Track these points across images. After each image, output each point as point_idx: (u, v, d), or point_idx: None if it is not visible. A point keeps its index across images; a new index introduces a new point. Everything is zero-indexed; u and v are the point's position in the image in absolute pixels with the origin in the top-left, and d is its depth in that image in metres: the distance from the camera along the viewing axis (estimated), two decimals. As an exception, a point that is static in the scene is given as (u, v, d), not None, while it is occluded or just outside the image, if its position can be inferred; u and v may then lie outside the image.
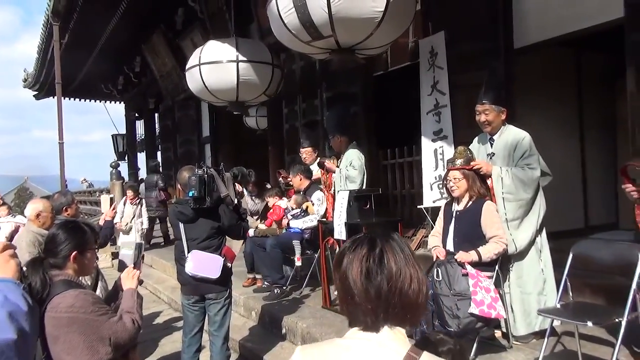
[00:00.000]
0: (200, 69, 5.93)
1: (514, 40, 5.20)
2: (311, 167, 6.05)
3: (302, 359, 1.23)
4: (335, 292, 5.28)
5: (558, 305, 3.36)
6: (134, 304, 2.39)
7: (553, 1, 4.83)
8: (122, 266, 2.69)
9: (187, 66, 6.23)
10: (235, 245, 6.08)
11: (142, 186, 10.79)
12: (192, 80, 6.18)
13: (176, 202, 3.93)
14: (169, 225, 7.75)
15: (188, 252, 3.65)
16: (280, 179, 6.61)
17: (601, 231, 6.47)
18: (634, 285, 2.92)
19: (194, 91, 6.38)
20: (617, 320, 2.95)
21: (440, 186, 5.39)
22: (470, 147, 3.95)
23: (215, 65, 5.88)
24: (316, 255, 5.50)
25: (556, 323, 3.45)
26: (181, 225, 3.70)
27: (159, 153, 15.40)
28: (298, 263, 5.52)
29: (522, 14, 5.13)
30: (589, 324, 3.00)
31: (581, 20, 4.61)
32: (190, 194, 3.59)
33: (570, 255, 3.42)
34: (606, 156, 7.01)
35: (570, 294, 3.40)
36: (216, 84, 5.95)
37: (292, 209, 5.69)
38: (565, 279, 3.37)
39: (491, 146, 3.89)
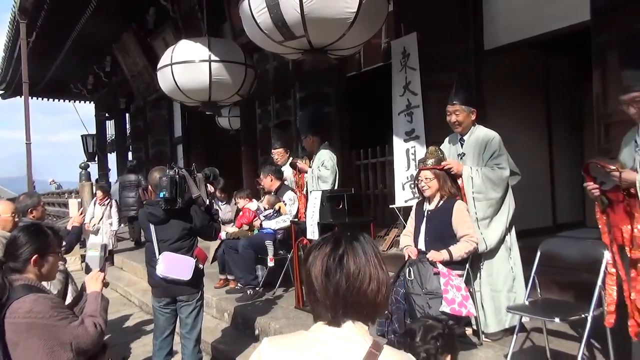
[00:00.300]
0: (172, 69, 5.87)
1: (484, 42, 5.28)
2: (284, 167, 6.04)
3: (270, 349, 1.26)
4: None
5: (526, 302, 3.42)
6: (97, 307, 2.35)
7: (522, 3, 4.91)
8: (89, 269, 2.64)
9: (159, 66, 6.15)
10: (213, 247, 6.04)
11: (116, 186, 10.64)
12: (164, 80, 6.11)
13: (147, 204, 3.88)
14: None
15: (159, 254, 3.61)
16: (259, 187, 6.57)
17: (569, 229, 6.64)
18: (599, 282, 2.99)
19: (165, 91, 6.30)
20: (583, 315, 3.02)
21: (412, 186, 5.44)
22: (441, 147, 3.99)
23: (187, 65, 5.82)
24: (289, 256, 5.49)
25: (525, 319, 3.51)
26: (152, 227, 3.66)
27: (129, 154, 15.17)
28: (271, 263, 5.50)
29: (492, 16, 5.21)
30: (556, 319, 3.07)
31: (549, 22, 4.70)
32: (161, 195, 3.55)
33: (539, 253, 3.49)
34: (573, 156, 7.17)
35: (539, 290, 3.47)
36: (188, 83, 5.89)
37: (265, 209, 5.67)
38: (534, 277, 3.43)
39: (462, 146, 3.94)
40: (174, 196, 3.52)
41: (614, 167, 2.81)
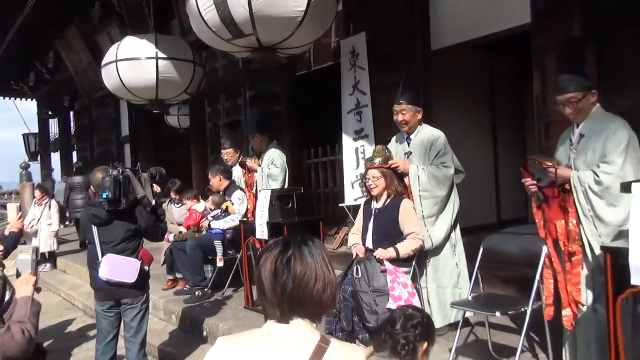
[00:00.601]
0: (117, 66, 5.70)
1: (431, 43, 5.38)
2: (235, 167, 5.99)
3: (225, 347, 1.33)
4: (259, 292, 5.26)
5: (470, 298, 3.51)
6: (26, 312, 2.22)
7: (468, 5, 5.03)
8: (19, 273, 2.52)
9: (103, 62, 5.97)
10: (165, 248, 5.92)
11: (60, 186, 10.26)
12: (109, 77, 5.93)
13: (89, 205, 3.76)
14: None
15: (102, 256, 3.50)
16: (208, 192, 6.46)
17: (512, 225, 6.85)
18: (537, 276, 3.09)
19: (110, 89, 6.12)
20: (522, 309, 3.12)
21: (361, 184, 5.49)
22: (388, 146, 4.04)
23: (133, 62, 5.67)
24: (238, 256, 5.44)
25: (469, 314, 3.60)
26: (94, 228, 3.55)
27: (74, 153, 14.69)
28: (220, 264, 5.43)
29: (438, 17, 5.32)
30: (497, 314, 3.16)
31: (493, 24, 4.83)
32: (104, 196, 3.45)
33: (481, 249, 3.58)
34: (517, 155, 7.39)
35: (482, 286, 3.56)
36: (134, 81, 5.74)
37: (211, 209, 5.60)
38: (477, 272, 3.52)
39: (408, 145, 4.00)
40: (117, 197, 3.42)
41: (550, 164, 2.93)
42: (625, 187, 2.31)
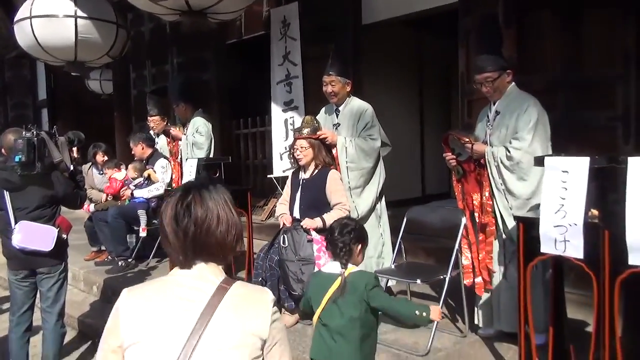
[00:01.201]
0: (31, 23, 5.32)
1: (362, 16, 5.41)
2: (162, 136, 5.82)
3: (128, 298, 1.34)
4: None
5: (392, 266, 3.63)
6: None
7: (399, -19, 5.09)
8: None
9: (16, 18, 5.56)
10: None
11: None
12: (22, 35, 5.53)
13: (0, 169, 3.52)
14: None
15: (15, 223, 3.31)
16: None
17: (436, 199, 7.11)
18: (456, 245, 3.24)
19: (24, 47, 5.72)
20: (442, 277, 3.26)
21: (290, 155, 5.49)
22: (317, 117, 4.05)
23: (49, 20, 5.31)
24: (164, 226, 5.31)
25: (392, 282, 3.73)
26: (6, 194, 3.34)
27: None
28: (143, 234, 5.29)
29: (370, -9, 5.35)
30: (418, 281, 3.30)
31: (423, 1, 4.92)
32: (17, 160, 3.24)
33: (405, 220, 3.69)
34: (442, 131, 7.59)
35: (404, 255, 3.69)
36: (51, 40, 5.39)
37: (133, 178, 5.43)
38: (400, 242, 3.64)
39: (337, 117, 4.03)
40: (31, 160, 3.22)
41: (467, 139, 3.06)
42: (538, 161, 2.45)
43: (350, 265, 2.38)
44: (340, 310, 2.29)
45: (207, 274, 1.35)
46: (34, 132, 3.30)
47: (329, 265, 2.47)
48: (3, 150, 3.58)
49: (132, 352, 1.29)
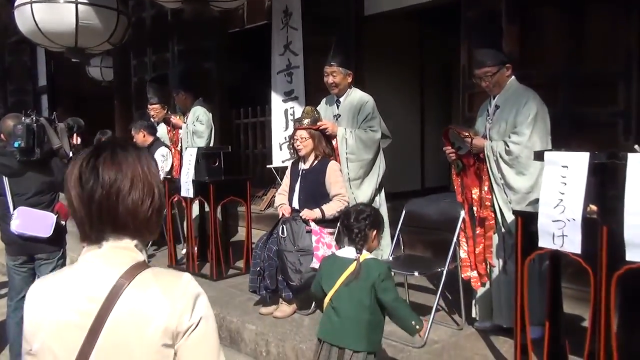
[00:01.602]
0: (32, 8, 5.28)
1: (364, 7, 5.38)
2: (162, 124, 5.81)
3: (32, 295, 1.15)
4: (183, 251, 5.18)
5: (390, 258, 3.63)
6: None
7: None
8: None
9: (17, 3, 5.52)
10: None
11: None
12: (23, 20, 5.49)
13: (-1, 154, 3.51)
14: None
15: (14, 209, 3.31)
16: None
17: (435, 193, 7.10)
18: (454, 239, 3.24)
19: (24, 33, 5.68)
20: (439, 270, 3.27)
21: (289, 146, 5.49)
22: (318, 108, 4.04)
23: (49, 5, 5.26)
24: (163, 214, 5.31)
25: (389, 274, 3.72)
26: (5, 180, 3.34)
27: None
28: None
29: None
30: (415, 274, 3.33)
31: (425, -6, 4.89)
32: (16, 145, 3.24)
33: (403, 212, 3.69)
34: (443, 125, 7.57)
35: (402, 247, 3.69)
36: (51, 26, 5.35)
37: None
38: (398, 234, 3.64)
39: (337, 108, 4.02)
40: (30, 146, 3.22)
41: (467, 134, 3.06)
42: (538, 155, 2.45)
43: (365, 252, 2.41)
44: (351, 295, 2.33)
45: (114, 257, 1.13)
46: (34, 118, 3.29)
47: (343, 249, 2.48)
48: (2, 136, 3.57)
49: None
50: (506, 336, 3.02)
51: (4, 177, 3.34)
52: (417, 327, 2.31)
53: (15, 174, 3.32)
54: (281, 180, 4.57)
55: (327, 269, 2.49)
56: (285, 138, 5.77)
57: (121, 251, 1.14)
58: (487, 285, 3.16)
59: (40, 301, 1.13)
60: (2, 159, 3.34)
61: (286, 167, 4.20)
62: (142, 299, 1.09)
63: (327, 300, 2.39)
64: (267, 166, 6.11)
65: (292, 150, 4.38)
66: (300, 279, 3.37)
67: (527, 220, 2.43)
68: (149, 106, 5.86)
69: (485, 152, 3.04)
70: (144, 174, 1.15)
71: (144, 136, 5.61)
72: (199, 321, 1.10)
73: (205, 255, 4.79)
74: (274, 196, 6.07)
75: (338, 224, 3.70)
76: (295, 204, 3.77)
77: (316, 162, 3.81)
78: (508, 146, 2.97)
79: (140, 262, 1.14)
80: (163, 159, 5.45)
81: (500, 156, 2.99)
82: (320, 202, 3.68)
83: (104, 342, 1.06)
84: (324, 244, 3.42)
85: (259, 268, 3.60)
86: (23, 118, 3.30)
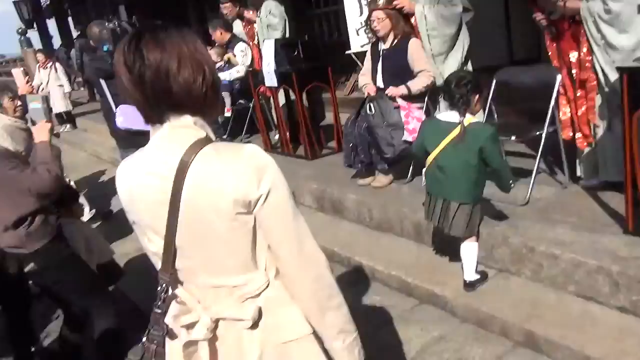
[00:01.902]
0: None
1: None
2: (235, 22, 5.82)
3: (119, 173, 1.23)
4: (276, 137, 5.34)
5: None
6: (48, 154, 2.38)
7: None
8: (33, 121, 2.62)
9: None
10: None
11: (72, 53, 9.99)
12: None
13: (91, 59, 3.69)
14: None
15: (116, 108, 3.52)
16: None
17: (525, 65, 6.69)
18: (552, 102, 3.09)
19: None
20: (538, 133, 3.14)
21: (367, 29, 5.32)
22: (392, -14, 3.81)
23: None
24: (251, 104, 5.51)
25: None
26: (102, 82, 3.52)
27: (69, 19, 14.14)
28: (227, 114, 5.55)
29: None
30: (512, 138, 3.28)
31: None
32: (105, 49, 3.40)
33: (494, 81, 3.52)
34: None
35: (495, 116, 3.55)
36: None
37: (215, 63, 5.56)
38: (490, 103, 3.48)
39: (414, -16, 3.77)
40: (118, 48, 3.36)
41: (558, -4, 2.81)
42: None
43: (468, 115, 2.49)
44: (458, 155, 2.47)
45: (175, 136, 1.15)
46: (116, 23, 3.41)
47: (445, 113, 2.58)
48: (92, 42, 3.73)
49: (136, 231, 1.25)
50: (615, 191, 2.91)
51: (101, 80, 3.52)
52: (512, 185, 2.55)
53: (110, 75, 3.48)
54: (362, 65, 4.48)
55: (430, 132, 2.61)
56: (360, 23, 5.61)
57: (181, 129, 1.15)
58: (593, 145, 3.04)
59: (126, 180, 1.21)
60: (96, 62, 3.51)
61: (365, 52, 4.11)
62: (207, 173, 1.12)
63: (430, 159, 2.56)
64: (347, 52, 6.00)
65: (369, 33, 4.25)
66: (393, 151, 3.45)
67: (634, 76, 2.32)
68: (221, 5, 5.87)
69: (582, 13, 2.80)
70: (190, 52, 1.13)
71: (221, 33, 5.68)
72: (269, 191, 1.12)
73: (297, 139, 4.93)
74: (356, 81, 6.01)
75: (426, 98, 3.68)
76: (380, 83, 3.73)
77: (396, 41, 3.70)
78: (607, 4, 2.70)
79: (202, 138, 1.15)
80: (242, 54, 5.52)
81: (600, 16, 2.74)
82: (404, 79, 3.61)
83: (184, 216, 1.13)
84: (413, 117, 3.42)
85: (351, 144, 3.68)
86: (106, 23, 3.43)
